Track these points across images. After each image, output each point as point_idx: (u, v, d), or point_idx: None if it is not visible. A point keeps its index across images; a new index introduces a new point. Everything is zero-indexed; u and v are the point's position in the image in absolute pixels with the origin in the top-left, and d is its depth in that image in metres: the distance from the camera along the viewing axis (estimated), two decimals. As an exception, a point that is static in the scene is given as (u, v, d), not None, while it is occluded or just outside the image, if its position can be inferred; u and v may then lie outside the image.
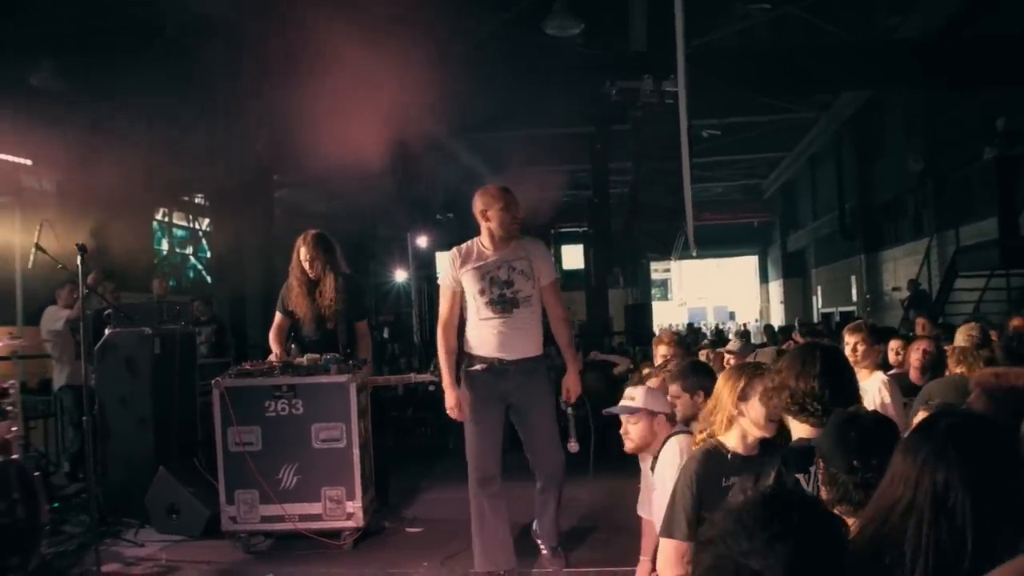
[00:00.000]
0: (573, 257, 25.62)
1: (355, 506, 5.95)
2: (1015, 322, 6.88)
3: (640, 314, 20.55)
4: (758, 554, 1.32)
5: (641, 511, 4.62)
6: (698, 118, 16.40)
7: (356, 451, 5.96)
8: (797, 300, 33.22)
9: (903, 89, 18.05)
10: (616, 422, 4.28)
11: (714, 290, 46.88)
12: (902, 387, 5.21)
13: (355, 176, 13.07)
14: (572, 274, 24.94)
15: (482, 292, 5.05)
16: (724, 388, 3.35)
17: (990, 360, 5.09)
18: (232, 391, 6.00)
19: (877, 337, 5.53)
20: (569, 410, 5.20)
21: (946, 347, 5.78)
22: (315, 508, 5.96)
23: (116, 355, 7.10)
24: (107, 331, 7.21)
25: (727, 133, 21.61)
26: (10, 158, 10.59)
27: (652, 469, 4.06)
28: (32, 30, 10.53)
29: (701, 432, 3.47)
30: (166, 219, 18.14)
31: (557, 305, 5.31)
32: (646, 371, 6.04)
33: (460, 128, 18.30)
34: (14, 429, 5.77)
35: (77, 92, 11.60)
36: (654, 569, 4.13)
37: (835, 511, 2.05)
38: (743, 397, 3.26)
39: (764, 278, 40.44)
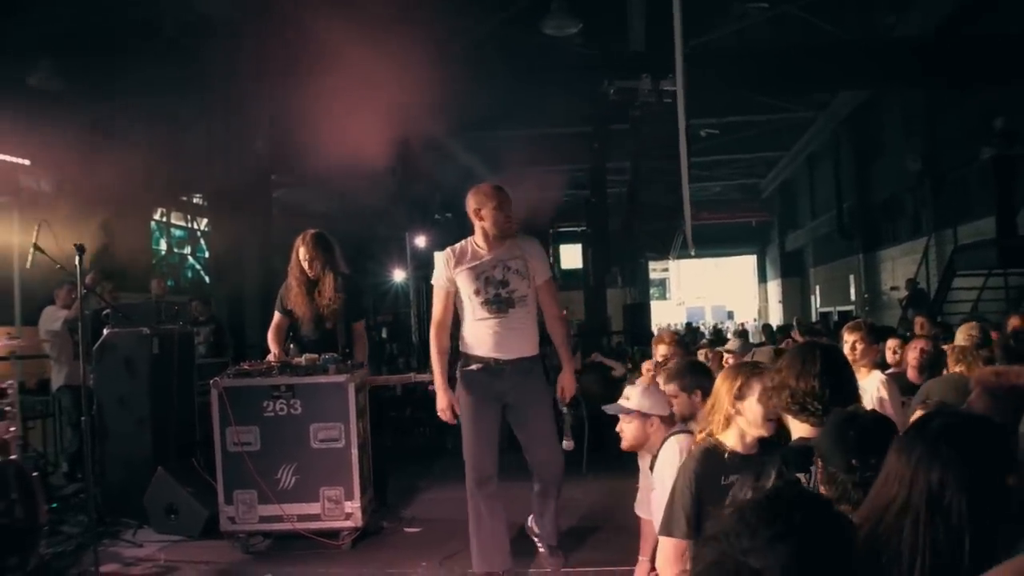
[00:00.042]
0: (571, 257, 25.67)
1: (353, 506, 5.95)
2: (1014, 322, 6.91)
3: (638, 314, 20.58)
4: (759, 553, 1.31)
5: (639, 511, 4.62)
6: (696, 117, 16.39)
7: (354, 451, 5.96)
8: (795, 299, 33.23)
9: (901, 88, 18.07)
10: (614, 421, 4.29)
11: (712, 290, 46.86)
12: (900, 386, 5.22)
13: (353, 176, 13.09)
14: (570, 274, 25.00)
15: (477, 292, 5.02)
16: (722, 387, 3.35)
17: (989, 360, 5.10)
18: (230, 391, 6.00)
19: (875, 336, 5.53)
20: (564, 409, 5.18)
21: (944, 346, 5.78)
22: (313, 508, 5.96)
23: (114, 355, 7.10)
24: (105, 331, 7.21)
25: (725, 132, 21.62)
26: (8, 158, 10.57)
27: (651, 468, 4.07)
28: (30, 30, 10.52)
29: (701, 432, 3.47)
30: (164, 219, 18.13)
31: (552, 304, 5.29)
32: (647, 369, 6.03)
33: (458, 128, 18.27)
34: (12, 429, 5.77)
35: (75, 92, 11.60)
36: (653, 569, 4.14)
37: (834, 511, 2.04)
38: (740, 396, 3.26)
39: (762, 277, 40.44)
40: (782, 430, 3.04)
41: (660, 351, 6.09)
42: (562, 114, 17.92)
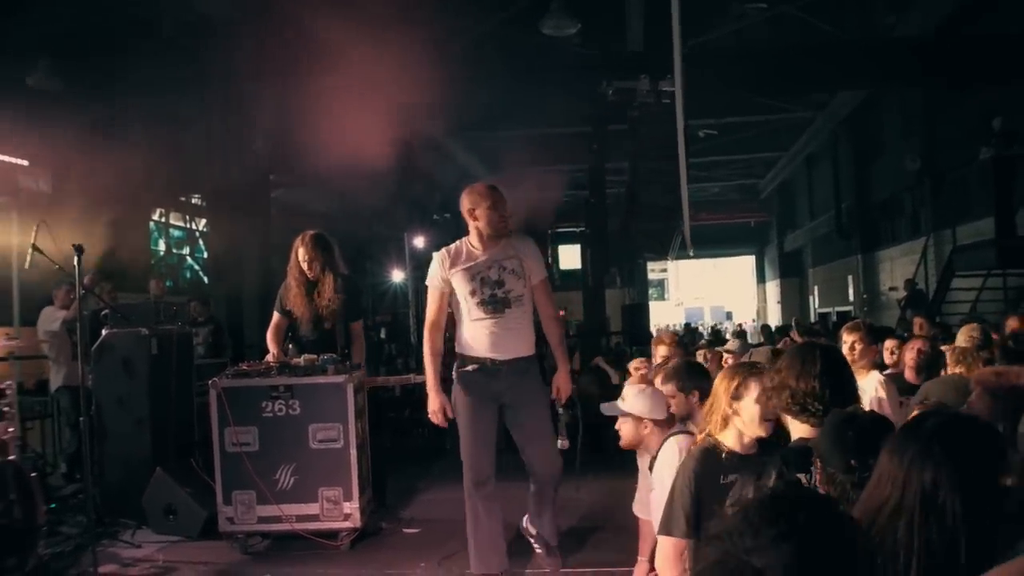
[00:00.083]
0: (570, 257, 25.68)
1: (352, 507, 5.95)
2: (1012, 323, 6.91)
3: (637, 314, 20.61)
4: (761, 552, 1.31)
5: (638, 511, 4.62)
6: (695, 118, 16.40)
7: (353, 451, 5.96)
8: (794, 300, 33.25)
9: (900, 89, 18.09)
10: (612, 420, 4.30)
11: (711, 290, 46.96)
12: (898, 387, 5.22)
13: (352, 176, 13.08)
14: (569, 274, 25.03)
15: (473, 293, 4.99)
16: (720, 387, 3.36)
17: (989, 362, 5.09)
18: (229, 391, 6.00)
19: (874, 337, 5.53)
20: (560, 410, 5.17)
21: (944, 347, 5.78)
22: (312, 509, 5.96)
23: (113, 356, 7.10)
24: (104, 332, 7.20)
25: (724, 133, 21.62)
26: (7, 159, 10.58)
27: (650, 469, 4.07)
28: (29, 30, 10.51)
29: (701, 432, 3.48)
30: (163, 219, 18.12)
31: (548, 304, 5.26)
32: (635, 368, 6.01)
33: (457, 128, 18.31)
34: (11, 430, 5.77)
35: (74, 92, 11.59)
36: (652, 569, 4.14)
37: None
38: (736, 396, 3.27)
39: (761, 278, 40.46)
40: (781, 430, 3.04)
41: (660, 352, 6.09)
42: (561, 114, 17.93)
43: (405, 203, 18.23)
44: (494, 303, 4.99)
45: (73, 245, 5.59)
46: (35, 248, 6.07)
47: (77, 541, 6.19)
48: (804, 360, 2.83)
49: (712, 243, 33.07)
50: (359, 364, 6.53)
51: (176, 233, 18.93)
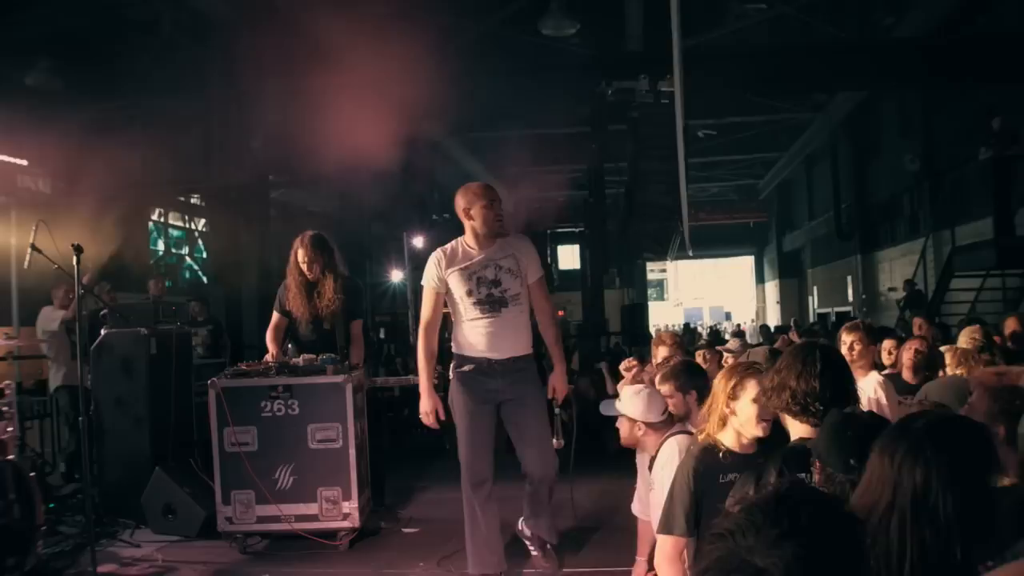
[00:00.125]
0: (569, 257, 25.68)
1: (351, 506, 5.95)
2: (1010, 323, 6.91)
3: (636, 314, 20.58)
4: (763, 551, 1.31)
5: (636, 511, 4.62)
6: (694, 118, 16.41)
7: (352, 451, 5.95)
8: (793, 300, 33.27)
9: (899, 89, 18.08)
10: (610, 419, 4.31)
11: (710, 290, 46.95)
12: (896, 387, 5.22)
13: (351, 176, 13.08)
14: (568, 274, 25.02)
15: (470, 293, 4.97)
16: (718, 387, 3.37)
17: (991, 364, 5.09)
18: (228, 391, 6.00)
19: (873, 337, 5.53)
20: (556, 410, 5.15)
21: (943, 347, 5.79)
22: (311, 508, 5.95)
23: (112, 355, 7.10)
24: (103, 331, 7.20)
25: (723, 133, 21.65)
26: (6, 158, 10.58)
27: (649, 469, 4.08)
28: (28, 30, 10.52)
29: (700, 431, 3.49)
30: (162, 219, 18.13)
31: (544, 302, 5.22)
32: (626, 368, 5.99)
33: (456, 128, 18.31)
34: (10, 430, 5.75)
35: (73, 92, 11.60)
36: (650, 569, 4.15)
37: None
38: (733, 396, 3.27)
39: (760, 278, 40.48)
40: (781, 430, 3.04)
41: (661, 352, 6.08)
42: (560, 114, 17.95)
43: (404, 203, 18.23)
44: (491, 302, 4.97)
45: (72, 245, 5.58)
46: (34, 248, 6.06)
47: (76, 540, 6.18)
48: (804, 360, 2.83)
49: (711, 243, 33.08)
50: (357, 364, 6.52)
51: (175, 233, 18.94)
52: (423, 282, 5.16)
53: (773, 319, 32.29)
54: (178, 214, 18.77)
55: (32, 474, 5.66)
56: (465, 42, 13.23)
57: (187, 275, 19.31)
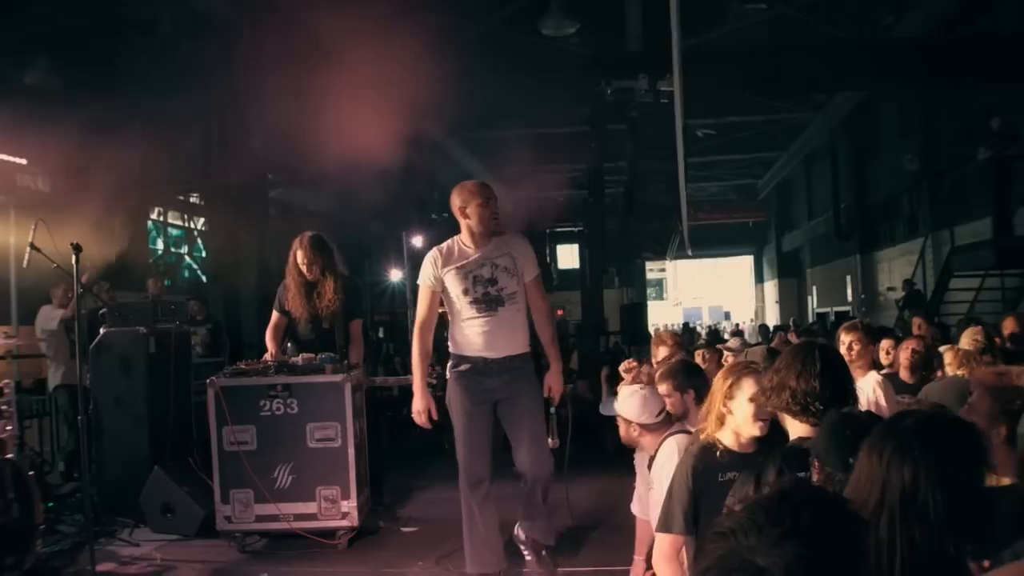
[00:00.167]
0: (568, 257, 25.66)
1: (350, 505, 5.95)
2: (1008, 324, 6.91)
3: (635, 314, 20.56)
4: (764, 550, 1.30)
5: (636, 510, 4.62)
6: (693, 118, 16.40)
7: (351, 450, 5.95)
8: (792, 300, 33.25)
9: (899, 89, 18.08)
10: (610, 420, 4.32)
11: (709, 290, 46.98)
12: (895, 387, 5.22)
13: (350, 175, 13.08)
14: (567, 274, 25.00)
15: (466, 292, 4.95)
16: (716, 387, 3.37)
17: (991, 365, 5.09)
18: (227, 390, 6.00)
19: (872, 337, 5.53)
20: (552, 409, 5.13)
21: (942, 347, 5.79)
22: (310, 507, 5.96)
23: (111, 354, 7.10)
24: (102, 330, 7.20)
25: (722, 133, 21.64)
26: (5, 157, 10.57)
27: (649, 468, 4.09)
28: (27, 29, 10.51)
29: (701, 431, 3.49)
30: (161, 218, 18.11)
31: (541, 301, 5.19)
32: (625, 370, 5.99)
33: (456, 127, 18.30)
34: (9, 428, 5.76)
35: (72, 91, 11.58)
36: (648, 568, 4.15)
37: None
38: (730, 396, 3.28)
39: (759, 278, 40.45)
40: (780, 429, 3.04)
41: (661, 352, 6.09)
42: (560, 114, 17.94)
43: (404, 202, 18.22)
44: (487, 301, 4.95)
45: (71, 244, 5.58)
46: (33, 247, 6.06)
47: (75, 539, 6.19)
48: (804, 360, 2.83)
49: (710, 243, 33.06)
50: (356, 363, 6.52)
51: (174, 232, 18.92)
52: (419, 281, 5.14)
53: (772, 319, 32.28)
54: (177, 213, 18.76)
55: (31, 473, 5.66)
56: (465, 42, 13.24)
57: (186, 274, 19.29)
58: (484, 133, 19.63)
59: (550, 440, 5.04)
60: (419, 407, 5.06)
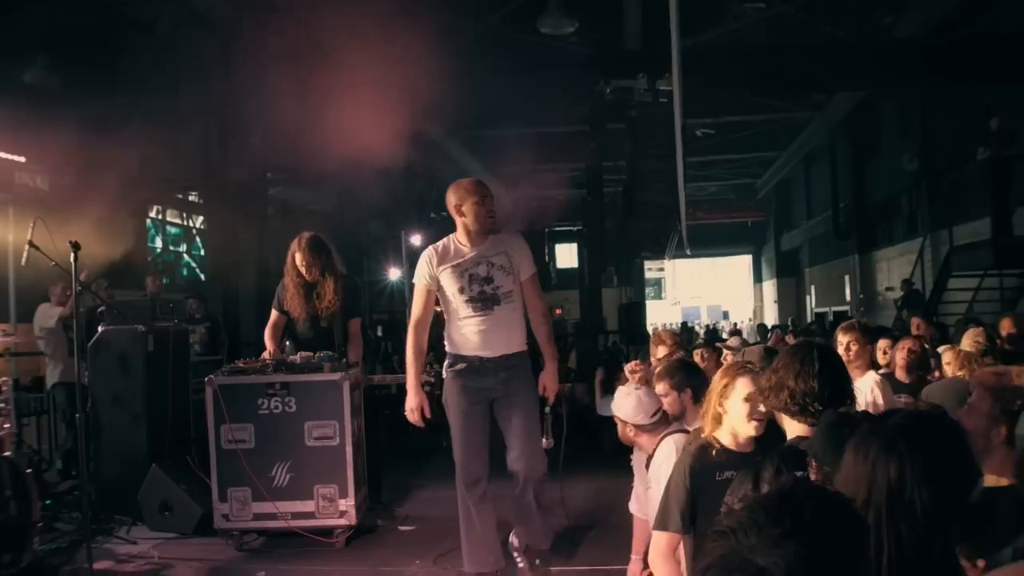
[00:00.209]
0: (567, 256, 25.64)
1: (348, 504, 5.95)
2: (1006, 324, 6.92)
3: (634, 313, 20.59)
4: (765, 550, 1.30)
5: (634, 509, 4.62)
6: (692, 117, 16.41)
7: (349, 449, 5.95)
8: (791, 300, 33.26)
9: (899, 89, 18.09)
10: (608, 420, 4.33)
11: (708, 289, 46.95)
12: (893, 387, 5.22)
13: (349, 174, 13.07)
14: (566, 273, 24.99)
15: (462, 290, 4.95)
16: (713, 386, 3.38)
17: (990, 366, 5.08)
18: (225, 389, 6.00)
19: (870, 337, 5.53)
20: (547, 408, 5.12)
21: (940, 348, 5.79)
22: (308, 506, 5.96)
23: (109, 352, 7.10)
24: (100, 328, 7.20)
25: (721, 132, 21.65)
26: (4, 155, 10.56)
27: (647, 467, 4.09)
28: (27, 27, 10.50)
29: (699, 430, 3.50)
30: (160, 217, 18.10)
31: (537, 300, 5.17)
32: (630, 370, 5.98)
33: (455, 126, 18.29)
34: (7, 426, 5.75)
35: (71, 89, 11.58)
36: (646, 567, 4.15)
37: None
38: (725, 395, 3.28)
39: (758, 277, 40.45)
40: (779, 428, 3.04)
41: (660, 351, 6.09)
42: (559, 113, 17.93)
43: (403, 201, 18.21)
44: (483, 300, 4.94)
45: (69, 242, 5.57)
46: (31, 244, 6.06)
47: (72, 537, 6.19)
48: (802, 360, 2.83)
49: (709, 242, 33.04)
50: (355, 362, 6.52)
51: (173, 230, 18.91)
52: (415, 279, 5.14)
53: (771, 318, 32.29)
54: (176, 211, 18.75)
55: (29, 471, 5.66)
56: (464, 41, 13.22)
57: (185, 272, 19.28)
58: (483, 132, 19.62)
59: (544, 440, 5.03)
60: (412, 404, 5.06)
